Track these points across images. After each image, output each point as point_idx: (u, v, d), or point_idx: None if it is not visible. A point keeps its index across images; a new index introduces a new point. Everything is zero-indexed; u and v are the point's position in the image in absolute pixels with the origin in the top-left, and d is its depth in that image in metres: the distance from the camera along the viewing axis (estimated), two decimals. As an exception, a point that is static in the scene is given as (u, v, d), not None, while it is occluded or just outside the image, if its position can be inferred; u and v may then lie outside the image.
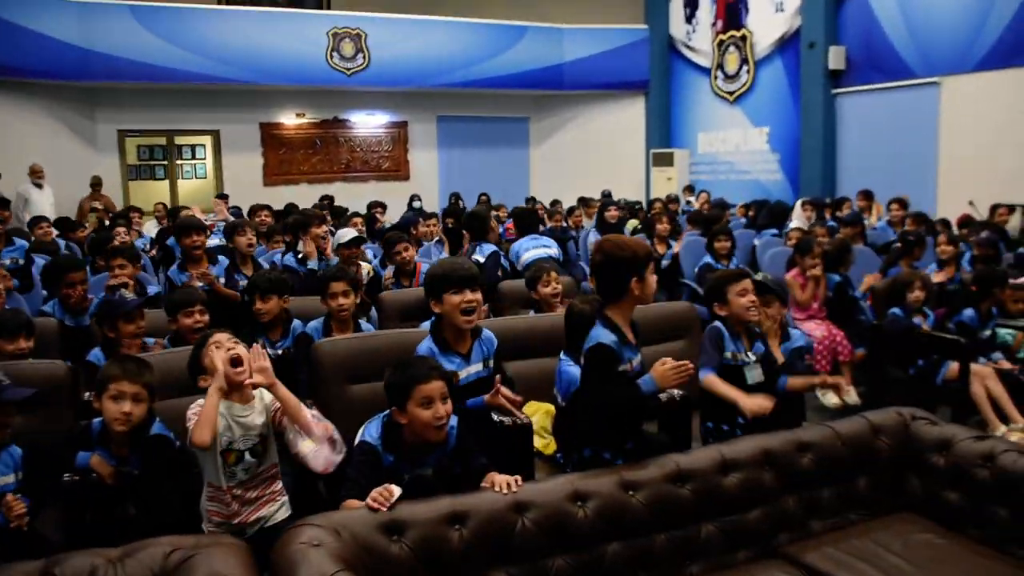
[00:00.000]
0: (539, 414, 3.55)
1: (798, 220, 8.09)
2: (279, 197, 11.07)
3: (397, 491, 2.35)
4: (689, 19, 13.16)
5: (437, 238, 6.77)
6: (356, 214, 8.20)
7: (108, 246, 5.70)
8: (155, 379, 2.84)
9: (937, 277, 5.56)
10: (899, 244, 6.13)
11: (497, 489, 2.44)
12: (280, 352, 4.06)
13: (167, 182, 13.51)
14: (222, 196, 11.29)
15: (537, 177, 15.10)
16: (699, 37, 12.98)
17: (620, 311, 2.79)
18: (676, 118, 13.78)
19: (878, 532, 2.77)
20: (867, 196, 8.77)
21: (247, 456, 2.78)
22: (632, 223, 8.54)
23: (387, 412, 2.64)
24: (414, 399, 2.50)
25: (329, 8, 15.52)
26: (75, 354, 3.93)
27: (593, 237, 7.87)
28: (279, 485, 2.90)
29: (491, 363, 3.15)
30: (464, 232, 6.16)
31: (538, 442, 3.49)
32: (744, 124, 12.12)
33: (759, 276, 3.67)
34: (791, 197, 10.28)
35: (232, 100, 13.08)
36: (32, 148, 11.12)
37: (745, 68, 11.95)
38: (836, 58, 10.24)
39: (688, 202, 11.41)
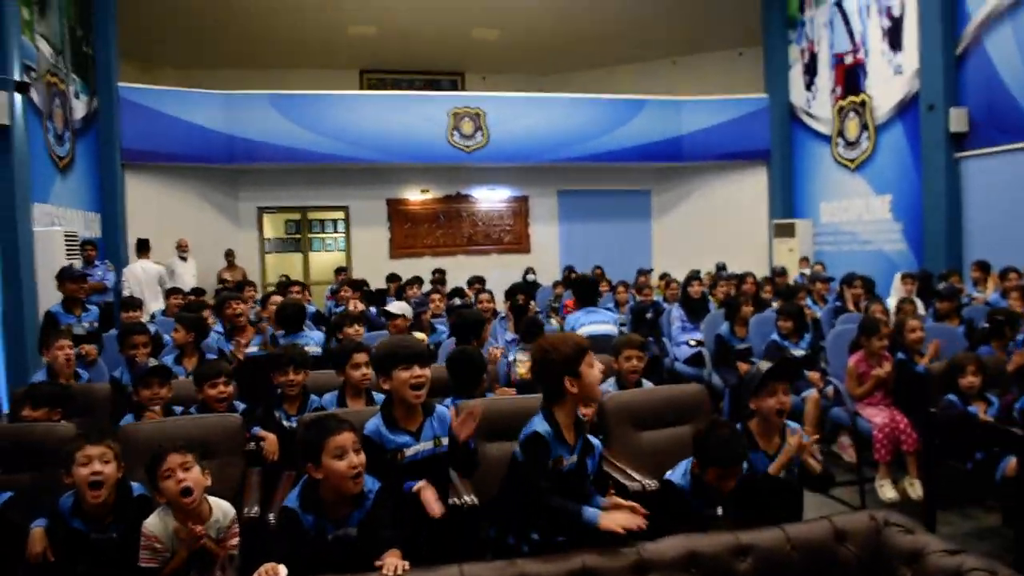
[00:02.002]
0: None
1: (896, 294, 7.57)
2: (404, 269, 11.55)
3: (283, 571, 2.37)
4: (809, 86, 12.75)
5: (502, 315, 6.74)
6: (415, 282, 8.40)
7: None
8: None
9: (1019, 359, 4.98)
10: (987, 324, 5.58)
11: (384, 571, 2.41)
12: (295, 424, 4.22)
13: (300, 255, 14.36)
14: (340, 270, 11.91)
15: (660, 249, 14.92)
16: (819, 104, 12.54)
17: (562, 409, 2.76)
18: (798, 188, 13.29)
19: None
20: (982, 267, 8.06)
21: (192, 572, 2.83)
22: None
23: (305, 476, 2.70)
24: (327, 451, 2.58)
25: (464, 89, 16.28)
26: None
27: (676, 313, 7.67)
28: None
29: (444, 441, 3.12)
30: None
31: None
32: (866, 192, 11.50)
33: (758, 365, 3.41)
34: (915, 268, 9.66)
35: (361, 178, 13.84)
36: (181, 224, 12.25)
37: (866, 134, 11.39)
38: (958, 120, 9.57)
39: (802, 274, 10.91)
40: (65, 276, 6.16)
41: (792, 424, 3.40)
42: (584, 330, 5.57)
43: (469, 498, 3.11)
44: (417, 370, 3.02)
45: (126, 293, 9.05)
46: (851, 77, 11.70)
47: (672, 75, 15.59)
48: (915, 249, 10.52)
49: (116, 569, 2.80)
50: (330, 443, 2.58)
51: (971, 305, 7.12)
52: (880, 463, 4.92)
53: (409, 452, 3.04)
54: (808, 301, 7.80)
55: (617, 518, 2.52)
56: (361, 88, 16.06)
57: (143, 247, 10.51)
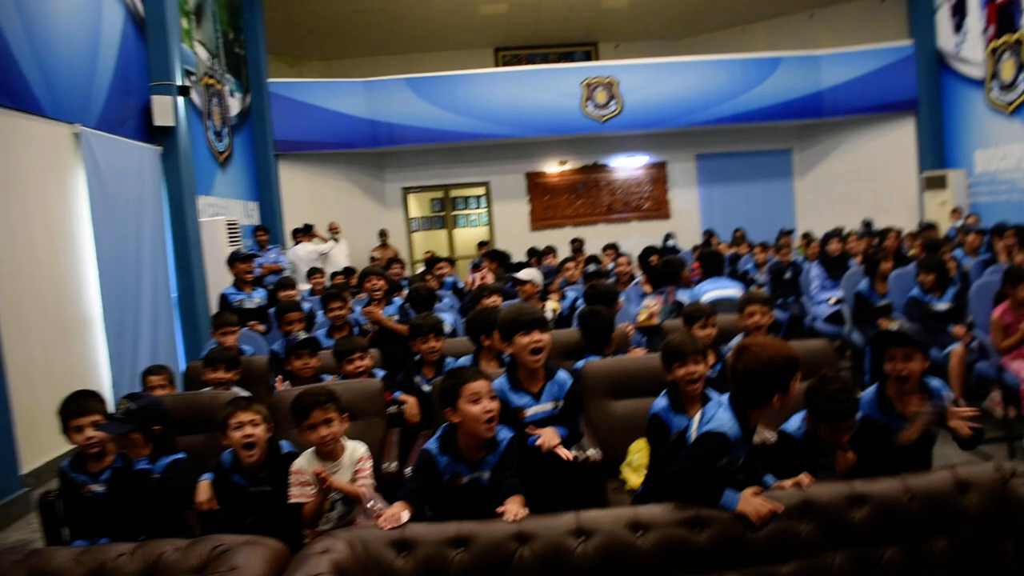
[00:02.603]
0: (643, 452, 3.64)
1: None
2: (545, 240, 11.81)
3: (406, 516, 2.61)
4: (958, 28, 12.00)
5: (638, 280, 6.85)
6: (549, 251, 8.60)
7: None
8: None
9: None
10: None
11: (505, 518, 2.60)
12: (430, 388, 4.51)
13: (445, 231, 14.88)
14: (483, 244, 12.26)
15: (803, 209, 14.51)
16: (969, 47, 11.78)
17: (756, 415, 2.71)
18: (949, 137, 12.56)
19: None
20: None
21: (339, 504, 3.11)
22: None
23: (445, 424, 2.95)
24: (464, 396, 2.82)
25: (598, 58, 16.28)
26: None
27: (815, 271, 7.55)
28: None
29: (560, 404, 3.31)
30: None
31: (635, 479, 3.58)
32: (1025, 137, 10.78)
33: (894, 326, 3.39)
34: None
35: (499, 153, 14.15)
36: (332, 208, 13.00)
37: (1023, 75, 10.68)
38: None
39: (954, 227, 10.36)
40: (236, 258, 6.77)
41: (938, 385, 3.31)
42: (708, 295, 5.68)
43: (593, 451, 3.27)
44: (536, 335, 3.23)
45: (286, 274, 9.73)
46: (1005, 15, 10.91)
47: (809, 29, 14.99)
48: (1083, 196, 9.82)
49: (274, 519, 3.12)
50: (466, 389, 2.81)
51: None
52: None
53: (529, 412, 3.27)
54: (959, 254, 7.49)
55: (755, 504, 2.52)
56: (496, 66, 16.33)
57: (305, 231, 11.35)
